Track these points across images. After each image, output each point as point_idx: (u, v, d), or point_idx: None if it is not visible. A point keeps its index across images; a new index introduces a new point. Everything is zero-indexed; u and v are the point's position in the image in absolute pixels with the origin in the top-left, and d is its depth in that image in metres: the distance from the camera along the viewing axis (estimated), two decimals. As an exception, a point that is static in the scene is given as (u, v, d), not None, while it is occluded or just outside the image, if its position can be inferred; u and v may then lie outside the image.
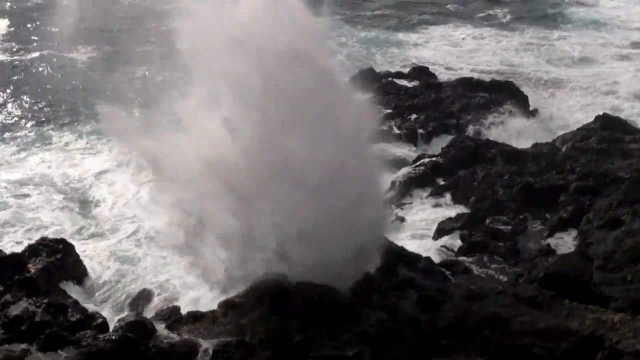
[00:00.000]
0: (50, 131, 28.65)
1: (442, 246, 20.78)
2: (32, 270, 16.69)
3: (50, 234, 20.37)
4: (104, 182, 24.82)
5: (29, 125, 29.07)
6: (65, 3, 41.85)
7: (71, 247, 18.49)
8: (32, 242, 18.32)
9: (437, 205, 23.61)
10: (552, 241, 20.52)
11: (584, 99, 33.65)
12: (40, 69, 34.57)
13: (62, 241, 18.46)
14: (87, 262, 18.88)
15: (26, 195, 23.49)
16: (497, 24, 47.78)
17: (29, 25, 40.87)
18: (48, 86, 32.02)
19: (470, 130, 28.74)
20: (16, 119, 29.73)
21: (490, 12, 51.10)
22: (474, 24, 47.53)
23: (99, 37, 38.28)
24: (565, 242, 20.49)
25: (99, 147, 27.38)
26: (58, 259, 17.58)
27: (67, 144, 27.76)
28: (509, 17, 49.57)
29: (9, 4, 45.28)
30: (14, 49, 37.69)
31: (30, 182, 24.43)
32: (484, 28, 46.47)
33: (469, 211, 22.49)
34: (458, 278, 18.10)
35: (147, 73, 31.53)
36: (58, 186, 24.37)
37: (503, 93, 31.55)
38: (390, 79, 34.34)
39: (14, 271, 16.35)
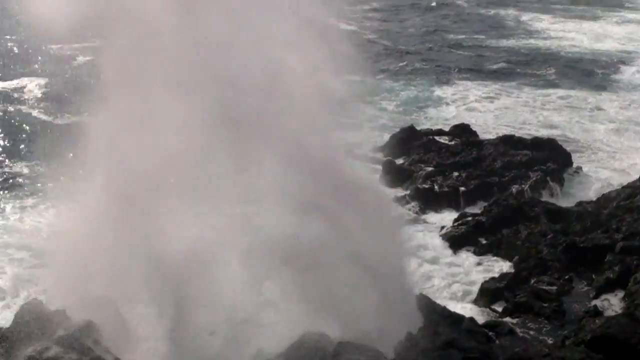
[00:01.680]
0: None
1: (485, 306, 20.48)
2: (76, 327, 16.78)
3: (93, 289, 20.46)
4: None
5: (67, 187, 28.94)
6: (107, 64, 42.38)
7: (114, 304, 18.57)
8: (76, 298, 18.44)
9: (480, 265, 23.34)
10: (598, 302, 20.10)
11: (629, 158, 33.23)
12: (76, 134, 33.80)
13: (105, 297, 18.56)
14: (129, 320, 18.91)
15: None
16: (540, 82, 47.43)
17: (68, 87, 39.42)
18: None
19: (513, 188, 28.47)
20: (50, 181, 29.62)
21: (532, 70, 50.99)
22: (515, 81, 47.46)
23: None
24: (612, 304, 20.04)
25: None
26: (101, 316, 17.65)
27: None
28: (553, 76, 49.18)
29: (51, 64, 45.29)
30: (50, 111, 37.21)
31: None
32: (526, 85, 46.34)
33: (513, 271, 22.19)
34: (502, 340, 17.81)
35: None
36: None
37: (545, 151, 31.33)
38: (431, 136, 34.36)
39: (58, 327, 16.46)
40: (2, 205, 27.52)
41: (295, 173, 16.71)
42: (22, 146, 33.02)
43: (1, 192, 28.72)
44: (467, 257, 23.89)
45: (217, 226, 16.83)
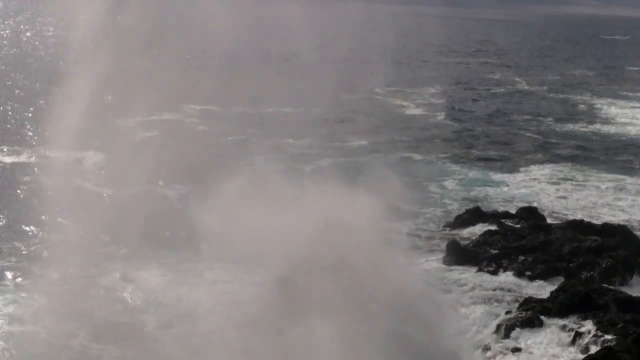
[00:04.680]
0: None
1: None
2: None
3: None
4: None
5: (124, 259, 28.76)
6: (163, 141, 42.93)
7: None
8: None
9: (545, 355, 22.46)
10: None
11: None
12: (133, 204, 33.01)
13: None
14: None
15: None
16: (612, 168, 46.44)
17: (126, 160, 36.93)
18: (141, 222, 30.05)
19: (581, 274, 27.53)
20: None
21: (603, 155, 50.08)
22: (585, 165, 46.68)
23: (195, 173, 35.87)
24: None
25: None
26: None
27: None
28: (626, 162, 48.10)
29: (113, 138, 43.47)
30: (108, 184, 36.64)
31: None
32: (596, 170, 45.46)
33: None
34: None
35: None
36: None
37: (616, 237, 30.35)
38: (497, 218, 33.80)
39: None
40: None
41: None
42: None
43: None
44: (532, 344, 23.00)
45: None
